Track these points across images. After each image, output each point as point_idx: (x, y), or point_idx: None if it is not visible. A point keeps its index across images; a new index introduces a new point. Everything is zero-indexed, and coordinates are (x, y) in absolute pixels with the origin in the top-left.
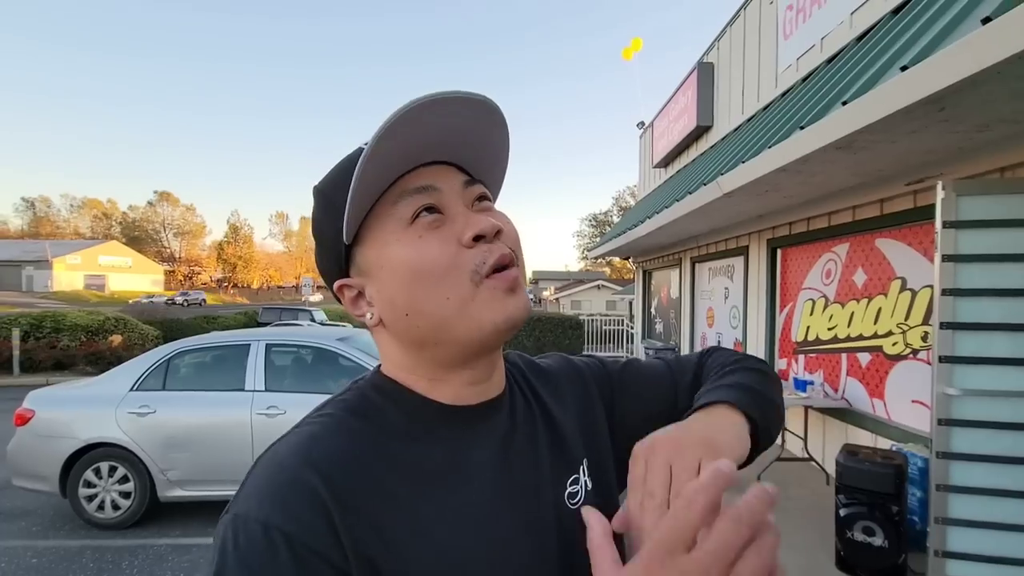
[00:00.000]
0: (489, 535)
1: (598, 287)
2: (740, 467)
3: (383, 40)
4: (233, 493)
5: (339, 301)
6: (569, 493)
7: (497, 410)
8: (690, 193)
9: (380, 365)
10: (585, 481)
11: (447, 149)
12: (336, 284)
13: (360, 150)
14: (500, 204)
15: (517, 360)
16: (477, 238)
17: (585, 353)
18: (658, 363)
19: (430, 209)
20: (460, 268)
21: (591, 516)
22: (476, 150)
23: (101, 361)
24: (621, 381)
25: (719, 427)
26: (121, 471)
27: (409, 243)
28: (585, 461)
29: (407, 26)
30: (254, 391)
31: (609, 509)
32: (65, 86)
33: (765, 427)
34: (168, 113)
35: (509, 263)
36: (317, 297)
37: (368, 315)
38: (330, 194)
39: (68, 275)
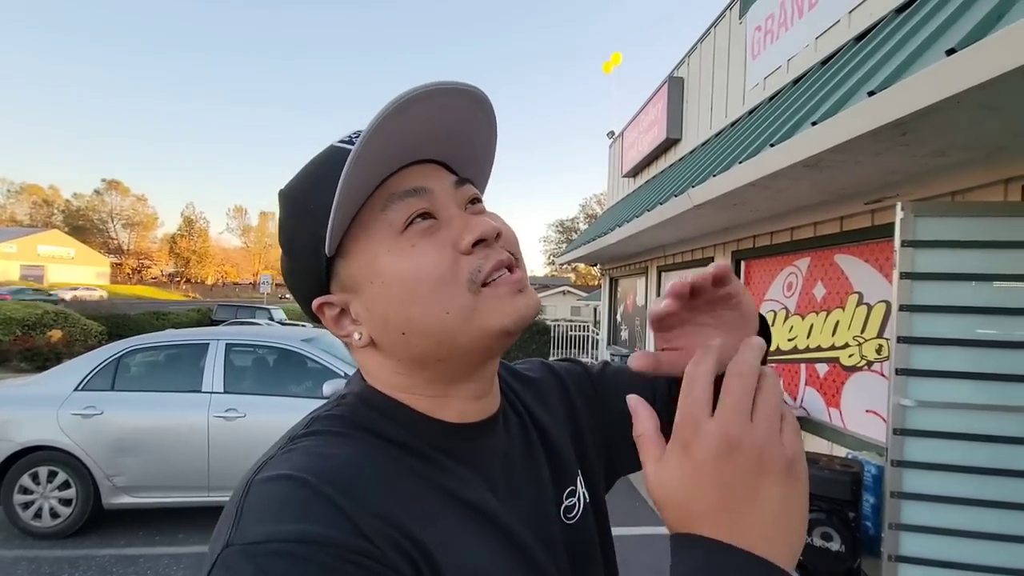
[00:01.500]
0: (515, 555)
1: (563, 292)
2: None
3: (347, 29)
4: (185, 499)
5: (315, 321)
6: (566, 507)
7: (496, 424)
8: (660, 204)
9: (363, 377)
10: (581, 493)
11: (436, 146)
12: (315, 303)
13: (333, 149)
14: None
15: (500, 370)
16: (477, 243)
17: (560, 357)
18: None
19: (424, 215)
20: (457, 278)
21: (639, 406)
22: (465, 147)
23: (38, 357)
24: (601, 382)
25: None
26: (62, 476)
27: (402, 253)
28: (580, 472)
29: (370, 16)
30: (212, 392)
31: (603, 521)
32: (4, 64)
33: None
34: (118, 100)
35: (510, 266)
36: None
37: (356, 335)
38: (301, 200)
39: (2, 264)
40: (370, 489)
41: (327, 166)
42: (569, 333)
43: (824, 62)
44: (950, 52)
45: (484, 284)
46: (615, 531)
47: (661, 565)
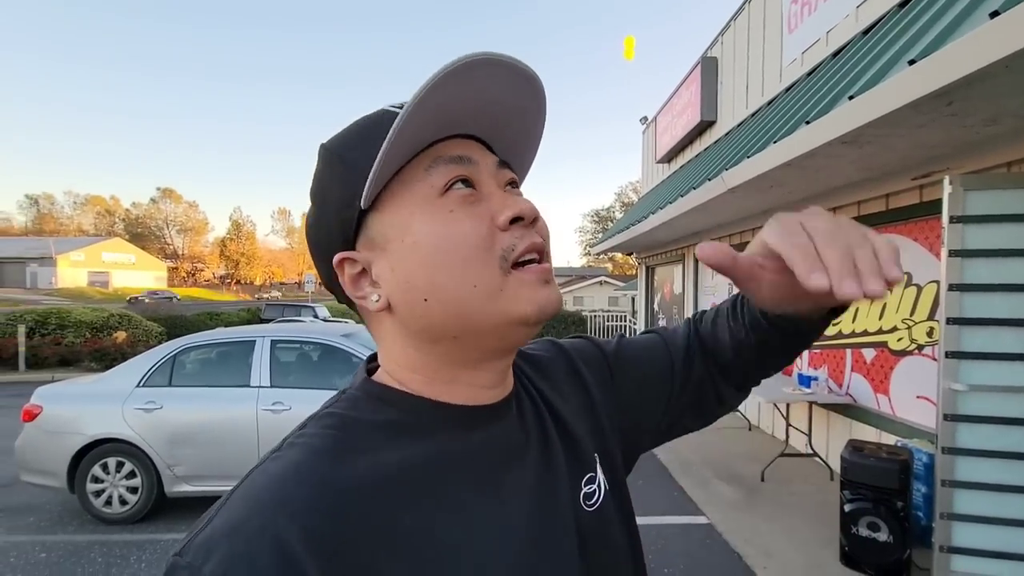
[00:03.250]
0: (517, 548)
1: (600, 283)
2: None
3: (386, 37)
4: None
5: (329, 288)
6: (585, 494)
7: (508, 408)
8: (694, 189)
9: (370, 370)
10: (601, 480)
11: (486, 122)
12: (337, 257)
13: (383, 112)
14: None
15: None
16: (515, 220)
17: (573, 335)
18: (649, 334)
19: (466, 182)
20: (491, 252)
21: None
22: (513, 131)
23: (106, 358)
24: (617, 357)
25: None
26: (128, 466)
27: (438, 216)
28: (598, 456)
29: (406, 25)
30: (259, 387)
31: (625, 505)
32: (67, 83)
33: None
34: (171, 110)
35: (540, 253)
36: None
37: (373, 297)
38: (344, 153)
39: (72, 272)
40: (337, 518)
41: (375, 127)
42: (606, 323)
43: (865, 32)
44: (994, 15)
45: (515, 266)
46: (653, 520)
47: (699, 553)
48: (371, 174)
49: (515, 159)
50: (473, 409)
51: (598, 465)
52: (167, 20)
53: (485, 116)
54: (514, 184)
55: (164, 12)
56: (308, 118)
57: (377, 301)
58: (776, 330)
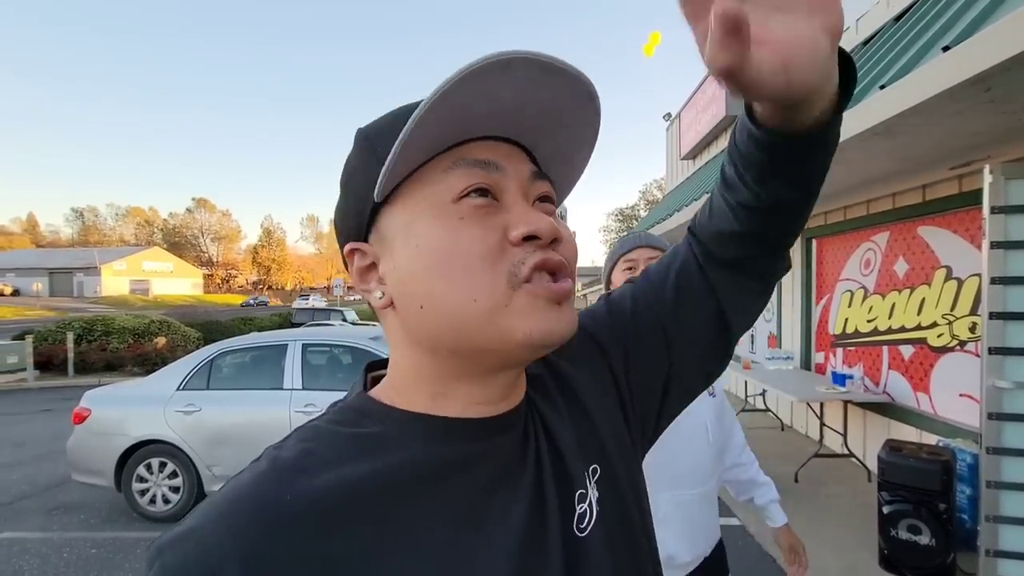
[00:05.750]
0: None
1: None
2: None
3: (427, 49)
4: None
5: (346, 268)
6: (577, 516)
7: (513, 422)
8: None
9: (374, 378)
10: (592, 499)
11: (526, 125)
12: (347, 247)
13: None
14: None
15: None
16: (529, 238)
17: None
18: (625, 289)
19: (483, 192)
20: (498, 266)
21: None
22: (557, 139)
23: (147, 362)
24: (599, 331)
25: None
26: (171, 467)
27: (446, 221)
28: (591, 470)
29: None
30: (292, 389)
31: (625, 520)
32: (106, 99)
33: None
34: (204, 121)
35: (559, 270)
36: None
37: (377, 293)
38: (375, 140)
39: (115, 280)
40: (269, 553)
41: (406, 113)
42: None
43: (898, 18)
44: None
45: (527, 279)
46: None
47: (731, 555)
48: (385, 166)
49: (556, 170)
50: (467, 423)
51: (589, 481)
52: (198, 31)
53: (526, 119)
54: (548, 199)
55: (205, 35)
56: (341, 133)
57: (380, 298)
58: (770, 140)
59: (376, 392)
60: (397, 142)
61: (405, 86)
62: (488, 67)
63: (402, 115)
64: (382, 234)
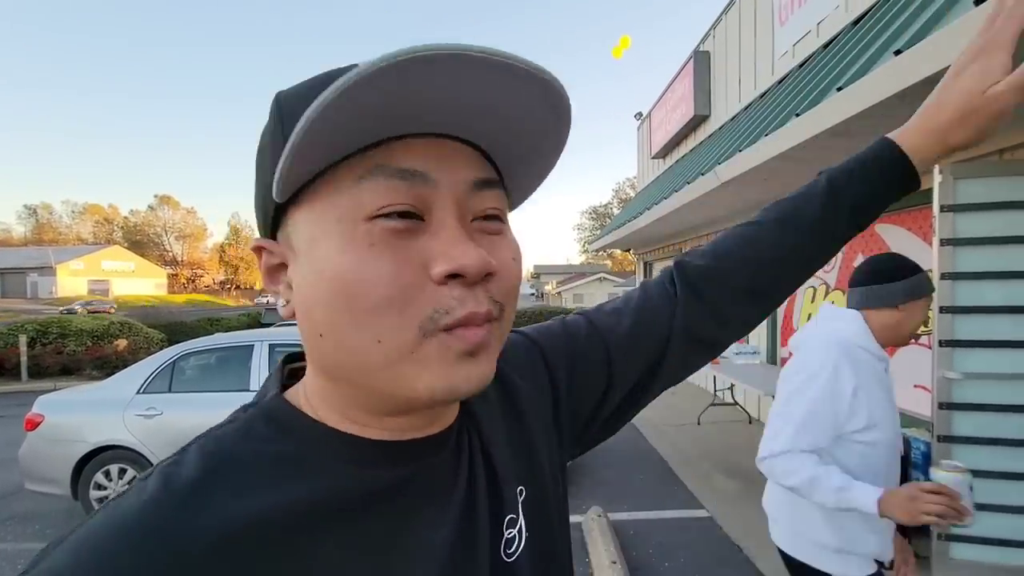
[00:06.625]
0: None
1: (600, 280)
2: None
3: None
4: None
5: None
6: (506, 541)
7: (444, 443)
8: (688, 184)
9: (292, 372)
10: (522, 524)
11: (470, 117)
12: (254, 243)
13: (352, 68)
14: None
15: None
16: (453, 276)
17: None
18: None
19: (405, 215)
20: (409, 309)
21: None
22: (513, 133)
23: (107, 365)
24: (552, 348)
25: None
26: (131, 473)
27: (354, 246)
28: (521, 492)
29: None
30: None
31: (551, 545)
32: (62, 90)
33: None
34: (167, 116)
35: (484, 320)
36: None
37: (282, 301)
38: (286, 115)
39: (72, 281)
40: None
41: (328, 80)
42: None
43: (855, 23)
44: (979, 1)
45: (444, 330)
46: (653, 514)
47: (699, 546)
48: (279, 166)
49: (519, 168)
50: (391, 445)
51: (519, 504)
52: (160, 24)
53: (469, 110)
54: (495, 215)
55: (164, 30)
56: None
57: (284, 306)
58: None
59: (293, 395)
60: (291, 139)
61: None
62: (442, 56)
63: (317, 85)
64: (289, 237)
